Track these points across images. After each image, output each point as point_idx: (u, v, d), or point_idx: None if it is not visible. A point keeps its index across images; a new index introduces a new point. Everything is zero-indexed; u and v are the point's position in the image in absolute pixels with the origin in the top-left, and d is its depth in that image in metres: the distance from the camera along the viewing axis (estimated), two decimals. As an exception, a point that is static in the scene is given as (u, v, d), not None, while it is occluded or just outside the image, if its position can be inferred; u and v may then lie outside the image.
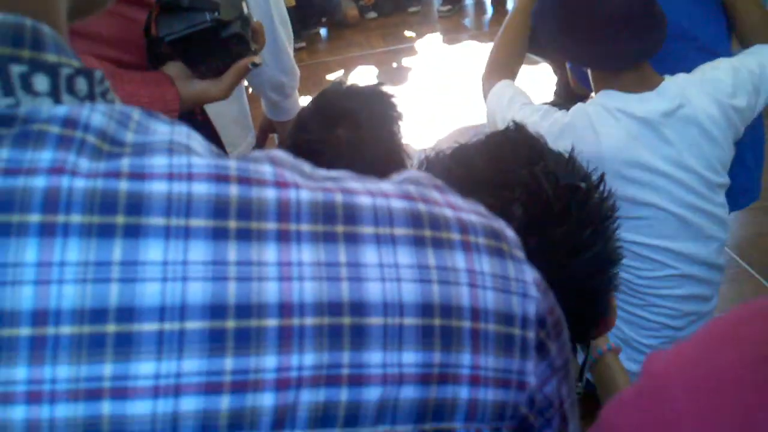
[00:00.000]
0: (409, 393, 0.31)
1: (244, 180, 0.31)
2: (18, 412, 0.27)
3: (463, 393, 0.32)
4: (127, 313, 0.28)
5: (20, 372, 0.27)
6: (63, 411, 0.28)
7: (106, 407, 0.28)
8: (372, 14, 4.93)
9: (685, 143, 1.27)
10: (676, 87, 1.28)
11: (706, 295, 1.39)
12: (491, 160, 0.62)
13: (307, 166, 0.34)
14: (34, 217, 0.28)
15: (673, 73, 1.33)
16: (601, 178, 0.66)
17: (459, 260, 0.33)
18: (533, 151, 0.63)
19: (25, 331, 0.27)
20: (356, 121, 1.15)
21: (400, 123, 1.28)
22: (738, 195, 1.50)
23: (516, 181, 0.59)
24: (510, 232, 0.36)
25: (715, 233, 1.34)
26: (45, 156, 0.29)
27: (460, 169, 0.62)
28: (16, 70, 0.30)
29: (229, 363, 0.29)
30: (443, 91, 3.72)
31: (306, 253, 0.30)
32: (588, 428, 0.47)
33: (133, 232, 0.29)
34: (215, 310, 0.29)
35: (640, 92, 1.28)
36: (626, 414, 0.40)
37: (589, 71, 1.37)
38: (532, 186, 0.59)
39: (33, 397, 0.27)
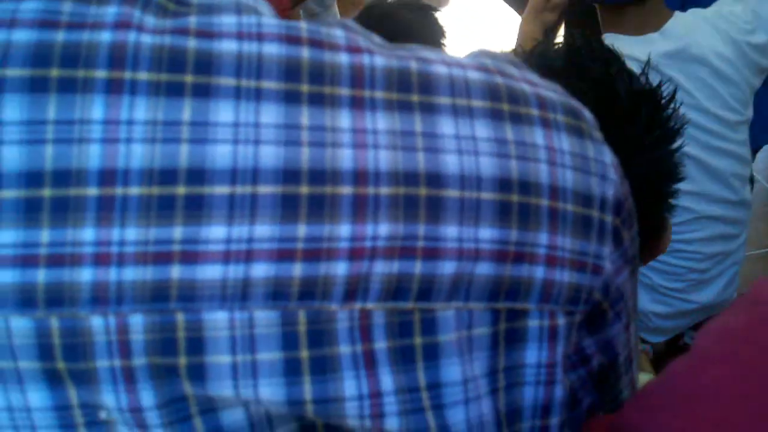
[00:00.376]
0: (483, 269, 0.30)
1: (316, 43, 0.29)
2: (85, 275, 0.27)
3: (539, 273, 0.31)
4: (198, 174, 0.27)
5: (88, 233, 0.27)
6: (131, 274, 0.27)
7: (175, 271, 0.27)
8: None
9: (694, 84, 1.20)
10: (682, 26, 1.20)
11: (733, 234, 1.34)
12: (568, 54, 0.62)
13: (377, 37, 0.33)
14: (101, 73, 0.27)
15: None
16: (673, 94, 0.64)
17: (538, 136, 0.31)
18: (610, 55, 0.62)
19: (92, 191, 0.27)
20: (409, 34, 1.13)
21: (445, 37, 1.25)
22: (762, 131, 1.44)
23: (590, 74, 0.59)
24: (588, 113, 0.34)
25: (738, 170, 1.28)
26: (110, 10, 0.28)
27: (535, 60, 0.62)
28: None
29: (302, 230, 0.28)
30: (480, 13, 3.61)
31: (381, 121, 0.29)
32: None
33: (203, 92, 0.28)
34: (288, 174, 0.28)
35: (645, 33, 1.21)
36: (736, 344, 0.37)
37: (598, 11, 1.30)
38: (605, 82, 0.58)
39: (100, 260, 0.27)
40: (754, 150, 1.68)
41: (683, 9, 1.26)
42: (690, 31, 1.20)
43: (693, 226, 1.31)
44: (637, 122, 0.58)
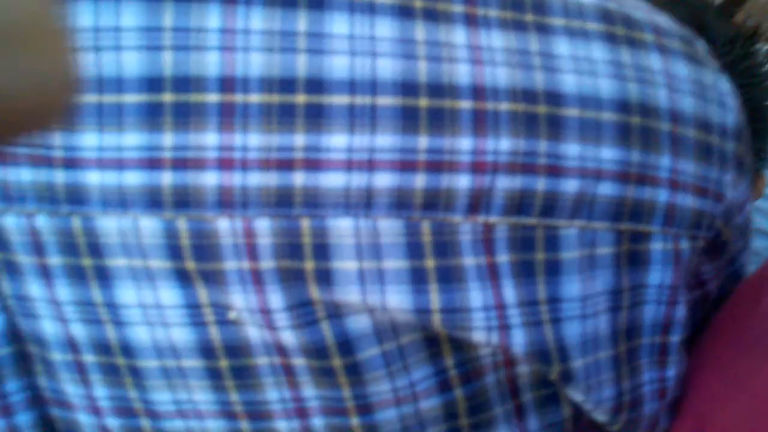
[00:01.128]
0: (606, 189, 0.29)
1: None
2: (210, 178, 0.26)
3: (662, 196, 0.30)
4: (317, 84, 0.27)
5: (210, 138, 0.26)
6: (255, 179, 0.26)
7: (299, 178, 0.26)
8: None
9: None
10: None
11: None
12: None
13: None
14: None
15: None
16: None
17: (655, 61, 0.30)
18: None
19: (213, 98, 0.26)
20: None
21: None
22: None
23: (691, 4, 0.61)
24: (701, 41, 0.33)
25: None
26: None
27: None
28: None
29: (423, 141, 0.27)
30: None
31: (496, 39, 0.28)
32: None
33: (317, 4, 0.27)
34: (407, 87, 0.27)
35: None
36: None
37: None
38: (704, 15, 0.61)
39: (224, 164, 0.26)
40: None
41: None
42: None
43: None
44: (729, 53, 0.60)
